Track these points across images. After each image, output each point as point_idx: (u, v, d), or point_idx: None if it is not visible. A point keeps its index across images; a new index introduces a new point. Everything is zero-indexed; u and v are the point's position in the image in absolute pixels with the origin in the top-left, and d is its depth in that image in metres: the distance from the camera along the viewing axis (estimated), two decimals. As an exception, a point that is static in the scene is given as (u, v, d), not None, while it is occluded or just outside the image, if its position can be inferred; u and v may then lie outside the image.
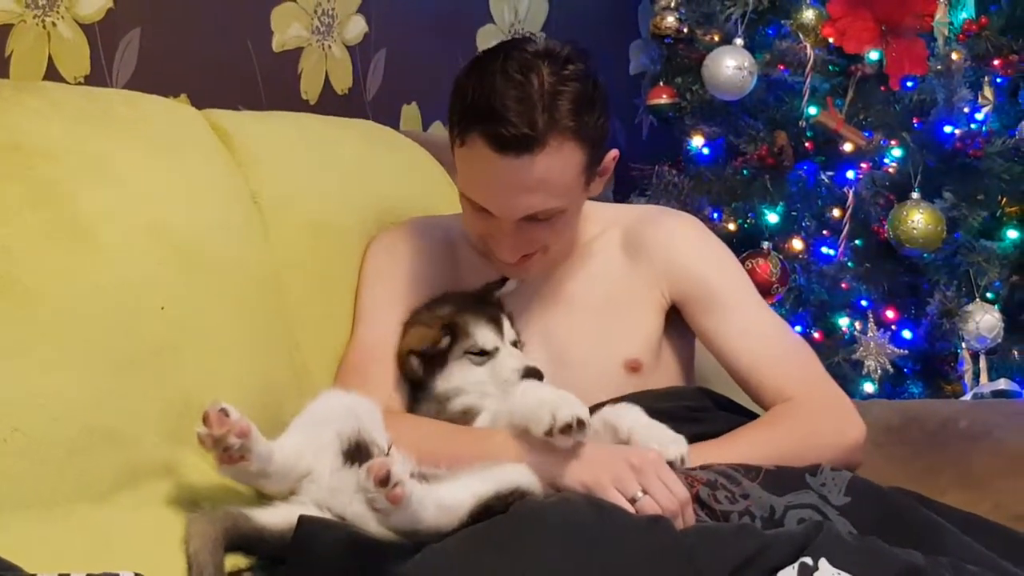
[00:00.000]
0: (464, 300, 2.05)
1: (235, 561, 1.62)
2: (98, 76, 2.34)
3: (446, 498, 1.59)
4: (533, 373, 1.92)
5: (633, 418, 1.86)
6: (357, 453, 1.65)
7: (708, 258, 2.20)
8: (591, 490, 1.69)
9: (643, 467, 1.71)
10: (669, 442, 1.82)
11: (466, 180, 2.02)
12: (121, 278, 1.72)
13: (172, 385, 1.73)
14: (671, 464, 1.79)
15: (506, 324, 2.01)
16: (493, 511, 1.57)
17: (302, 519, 1.54)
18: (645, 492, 1.69)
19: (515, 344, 2.01)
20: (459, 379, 1.96)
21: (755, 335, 2.12)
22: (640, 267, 2.17)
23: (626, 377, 2.08)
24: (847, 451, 1.98)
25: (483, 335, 1.97)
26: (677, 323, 2.18)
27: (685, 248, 2.18)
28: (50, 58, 2.24)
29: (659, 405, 1.95)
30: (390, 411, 1.88)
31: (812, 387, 2.08)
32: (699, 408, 2.05)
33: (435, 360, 1.97)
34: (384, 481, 1.49)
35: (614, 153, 2.09)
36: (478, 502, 1.58)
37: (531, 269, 2.10)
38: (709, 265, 2.19)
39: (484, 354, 1.96)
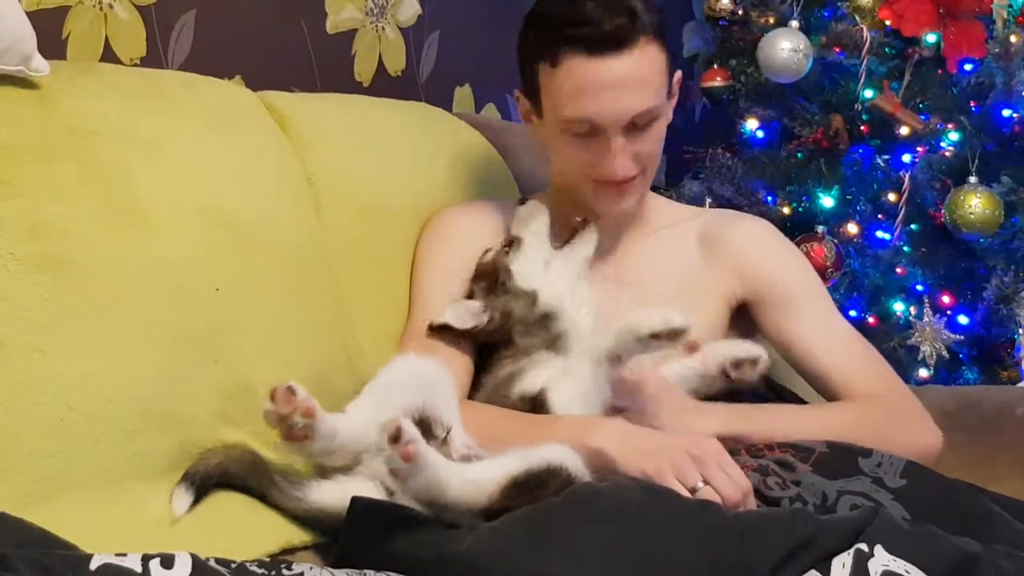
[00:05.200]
0: None
1: (290, 537, 1.64)
2: (154, 58, 2.35)
3: (472, 474, 1.61)
4: None
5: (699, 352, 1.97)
6: (419, 430, 1.65)
7: (786, 260, 2.24)
8: (651, 479, 1.68)
9: (704, 457, 1.71)
10: (749, 345, 1.95)
11: (567, 101, 2.03)
12: (176, 259, 1.73)
13: (226, 366, 1.74)
14: (756, 362, 1.91)
15: None
16: (524, 487, 1.58)
17: (356, 499, 1.55)
18: (706, 482, 1.69)
19: None
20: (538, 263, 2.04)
21: (836, 339, 2.15)
22: (713, 262, 2.19)
23: (685, 358, 2.08)
24: (923, 456, 1.96)
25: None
26: (740, 323, 2.20)
27: (763, 249, 2.22)
28: (107, 40, 2.25)
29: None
30: None
31: (895, 391, 2.11)
32: (756, 394, 2.05)
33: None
34: (395, 438, 1.49)
35: (678, 75, 2.16)
36: (507, 479, 1.59)
37: (629, 196, 2.13)
38: (787, 267, 2.22)
39: (510, 244, 2.07)
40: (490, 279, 2.05)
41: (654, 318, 1.78)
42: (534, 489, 1.57)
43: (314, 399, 1.58)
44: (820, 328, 2.14)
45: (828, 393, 2.10)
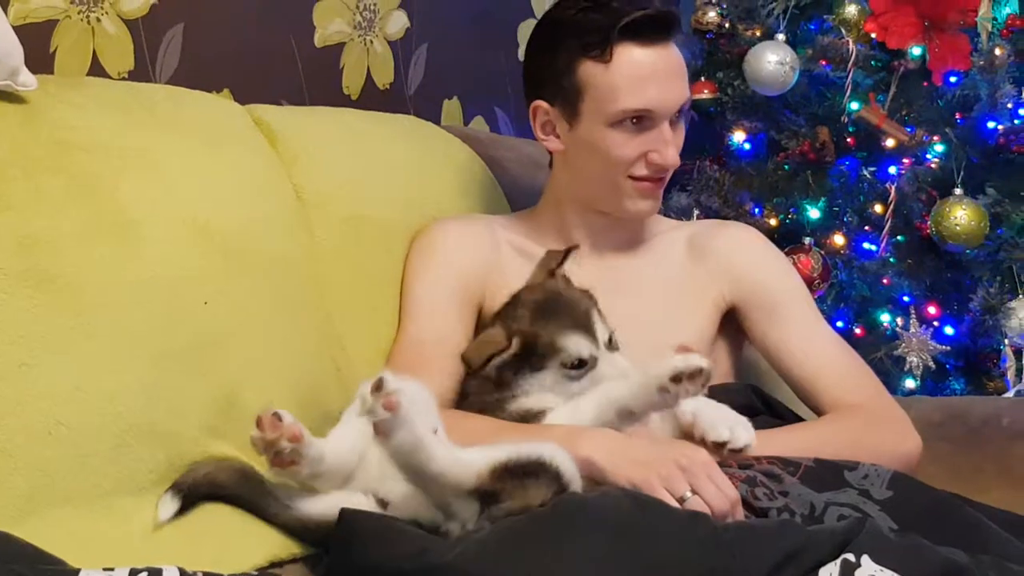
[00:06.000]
0: (548, 301, 1.92)
1: (278, 551, 1.64)
2: (142, 71, 2.35)
3: (462, 453, 1.61)
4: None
5: (693, 401, 1.85)
6: None
7: (772, 266, 2.26)
8: (639, 489, 1.68)
9: (692, 467, 1.71)
10: (735, 426, 1.83)
11: (626, 92, 2.07)
12: (164, 273, 1.73)
13: (214, 380, 1.74)
14: (741, 450, 1.80)
15: (597, 320, 1.90)
16: (515, 473, 1.58)
17: (344, 511, 1.55)
18: (695, 492, 1.69)
19: (610, 342, 1.89)
20: (548, 388, 1.89)
21: (819, 344, 2.17)
22: (702, 267, 2.22)
23: None
24: (903, 461, 1.99)
25: (576, 341, 1.87)
26: (729, 329, 2.22)
27: (749, 255, 2.24)
28: (94, 54, 2.25)
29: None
30: (442, 409, 1.87)
31: (874, 398, 2.12)
32: (746, 406, 2.05)
33: (524, 369, 1.89)
34: (378, 387, 1.50)
35: None
36: (496, 463, 1.59)
37: (659, 195, 2.19)
38: (773, 273, 2.24)
39: (582, 365, 1.87)
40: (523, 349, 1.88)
41: (674, 360, 1.72)
42: (523, 477, 1.58)
43: (301, 424, 1.57)
44: (805, 332, 2.16)
45: (810, 398, 2.12)
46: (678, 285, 2.21)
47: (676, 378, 1.70)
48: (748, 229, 2.33)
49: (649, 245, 2.26)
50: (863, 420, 2.04)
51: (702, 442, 1.84)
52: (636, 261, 2.23)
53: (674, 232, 2.29)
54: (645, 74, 2.07)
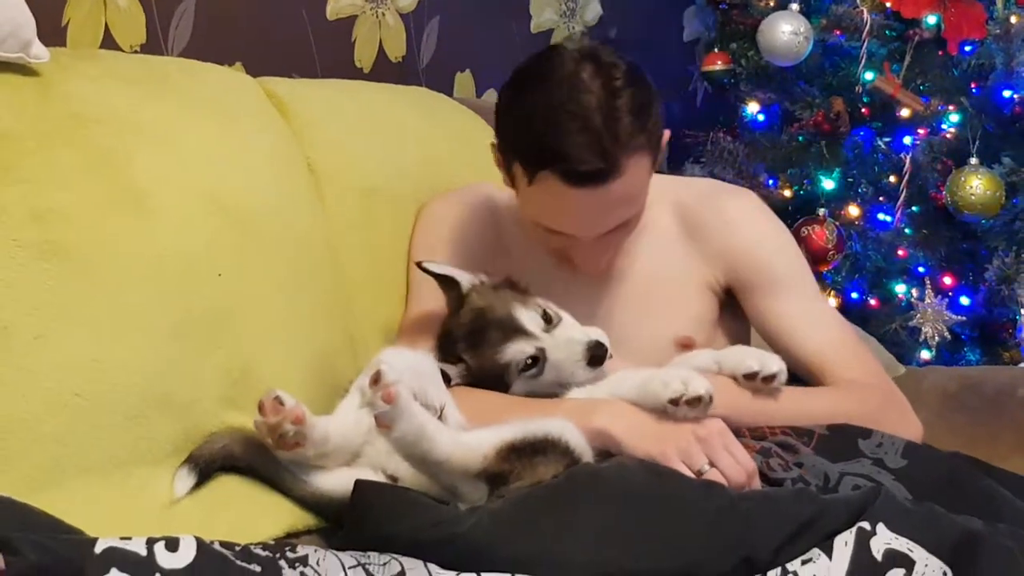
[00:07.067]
0: (473, 325, 1.90)
1: (294, 522, 1.64)
2: (154, 45, 2.35)
3: (466, 437, 1.60)
4: (597, 350, 1.83)
5: (709, 353, 1.90)
6: None
7: (771, 241, 2.17)
8: (656, 462, 1.67)
9: (709, 438, 1.70)
10: (763, 357, 1.85)
11: (539, 211, 1.96)
12: (178, 245, 1.73)
13: (228, 352, 1.74)
14: (774, 376, 1.82)
15: (522, 313, 1.87)
16: (522, 452, 1.58)
17: (359, 483, 1.55)
18: (711, 464, 1.69)
19: (548, 320, 1.87)
20: (529, 388, 1.87)
21: (821, 321, 2.11)
22: (695, 247, 2.15)
23: (677, 355, 2.05)
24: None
25: (514, 350, 1.85)
26: (731, 309, 2.18)
27: (746, 231, 2.15)
28: (106, 27, 2.25)
29: None
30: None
31: (877, 378, 2.07)
32: None
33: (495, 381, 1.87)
34: (376, 379, 1.49)
35: (667, 135, 2.02)
36: (503, 443, 1.58)
37: (608, 264, 2.10)
38: (771, 249, 2.16)
39: (535, 362, 1.85)
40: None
41: (675, 383, 1.73)
42: (532, 456, 1.57)
43: (303, 405, 1.58)
44: (804, 312, 2.10)
45: (810, 377, 2.07)
46: (670, 270, 2.15)
47: (674, 401, 1.72)
48: (743, 200, 2.22)
49: (641, 230, 2.11)
50: (874, 398, 1.99)
51: (733, 380, 1.86)
52: (626, 246, 2.12)
53: (661, 205, 2.15)
54: (563, 207, 1.91)
